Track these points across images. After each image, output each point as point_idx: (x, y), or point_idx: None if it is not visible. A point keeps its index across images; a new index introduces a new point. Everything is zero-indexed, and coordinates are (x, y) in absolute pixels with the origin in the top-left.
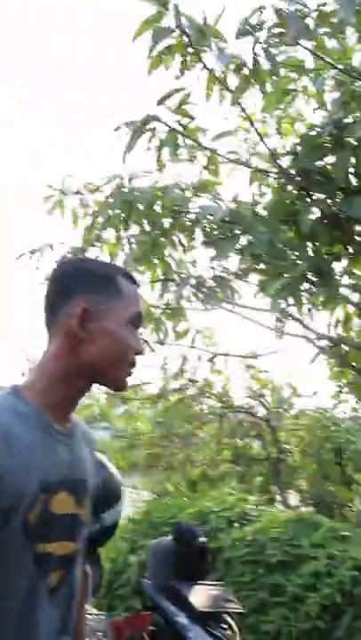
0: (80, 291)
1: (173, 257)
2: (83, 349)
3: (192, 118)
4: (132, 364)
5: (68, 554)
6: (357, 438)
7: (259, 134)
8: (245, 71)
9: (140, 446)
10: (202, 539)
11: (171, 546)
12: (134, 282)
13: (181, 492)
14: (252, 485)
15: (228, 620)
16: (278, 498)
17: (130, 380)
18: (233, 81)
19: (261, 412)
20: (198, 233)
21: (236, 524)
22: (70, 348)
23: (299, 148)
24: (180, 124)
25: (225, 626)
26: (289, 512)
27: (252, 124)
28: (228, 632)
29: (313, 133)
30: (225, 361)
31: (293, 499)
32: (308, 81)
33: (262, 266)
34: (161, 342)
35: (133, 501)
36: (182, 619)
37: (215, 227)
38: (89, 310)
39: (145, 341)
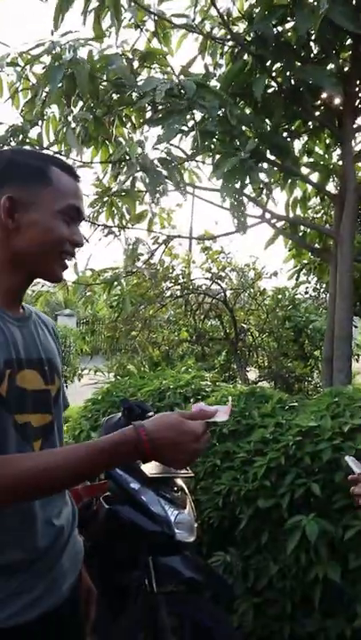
0: (8, 183)
1: (124, 136)
2: (13, 240)
3: None
4: (67, 254)
5: (46, 424)
6: (316, 317)
7: None
8: None
9: (101, 331)
10: (151, 412)
11: (122, 421)
12: (72, 174)
13: (143, 372)
14: (212, 364)
15: (180, 483)
16: (238, 376)
17: (66, 272)
18: None
19: (220, 293)
20: (148, 110)
21: (192, 400)
22: (2, 240)
23: (255, 11)
24: None
25: (176, 489)
26: (242, 387)
27: None
28: (179, 494)
29: None
30: (180, 244)
31: (253, 375)
32: None
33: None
34: (122, 226)
35: (97, 383)
36: (135, 484)
37: (163, 102)
38: (15, 200)
39: (106, 227)
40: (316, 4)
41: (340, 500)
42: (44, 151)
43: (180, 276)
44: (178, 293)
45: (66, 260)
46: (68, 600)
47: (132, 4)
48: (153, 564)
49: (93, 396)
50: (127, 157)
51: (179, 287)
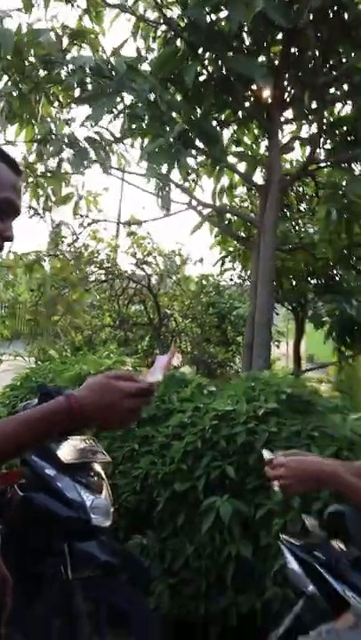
0: None
1: (50, 115)
2: None
3: None
4: None
5: None
6: (240, 304)
7: None
8: None
9: (21, 315)
10: None
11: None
12: (13, 167)
13: (65, 357)
14: (135, 349)
15: (97, 469)
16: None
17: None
18: None
19: (144, 279)
20: (76, 88)
21: None
22: None
23: None
24: None
25: (93, 474)
26: None
27: None
28: (96, 479)
29: None
30: (105, 229)
31: (176, 361)
32: None
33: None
34: (47, 209)
35: (17, 368)
36: (50, 470)
37: (92, 81)
38: None
39: (30, 208)
40: None
41: (253, 481)
42: None
43: (105, 261)
44: (103, 278)
45: None
46: None
47: None
48: (69, 549)
49: (12, 381)
50: (53, 136)
51: (103, 272)
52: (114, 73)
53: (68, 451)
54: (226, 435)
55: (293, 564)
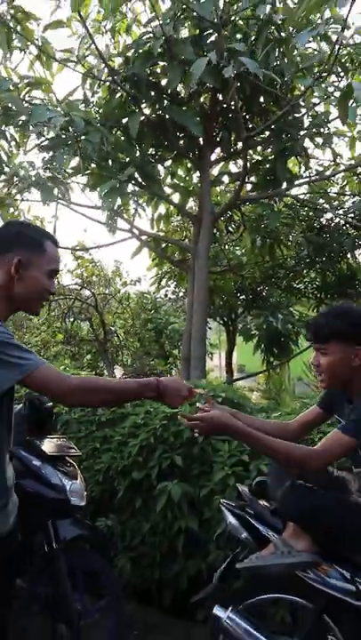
0: (19, 247)
1: (4, 149)
2: (15, 285)
3: (26, 14)
4: (46, 299)
5: None
6: (175, 319)
7: (90, 36)
8: None
9: None
10: (49, 403)
11: (24, 410)
12: (57, 244)
13: None
14: (83, 363)
15: (71, 461)
16: (106, 373)
17: None
18: None
19: (90, 297)
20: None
21: None
22: (7, 282)
23: (131, 52)
24: (13, 16)
25: (69, 464)
26: None
27: (84, 24)
28: (71, 468)
29: (145, 40)
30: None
31: (119, 373)
32: None
33: (92, 166)
34: None
35: None
36: (36, 461)
37: (51, 132)
38: (22, 262)
39: None
40: (183, 59)
41: (197, 468)
42: None
43: None
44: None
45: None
46: (12, 529)
47: (18, 32)
48: (52, 525)
49: None
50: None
51: None
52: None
53: (49, 446)
54: (174, 431)
55: (231, 519)
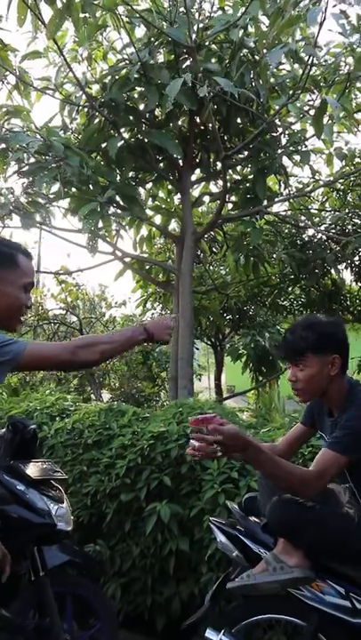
0: None
1: None
2: None
3: (4, 44)
4: (23, 314)
5: None
6: None
7: (67, 63)
8: (59, 4)
9: None
10: (33, 426)
11: (7, 434)
12: (30, 257)
13: (3, 399)
14: (70, 387)
15: (56, 485)
16: (93, 397)
17: None
18: (47, 11)
19: (75, 321)
20: (11, 159)
21: (57, 418)
22: None
23: (108, 78)
24: None
25: (54, 487)
26: (101, 404)
27: (61, 53)
28: (57, 492)
29: (122, 66)
30: (37, 277)
31: (106, 396)
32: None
33: (73, 190)
34: None
35: None
36: (20, 486)
37: (30, 157)
38: None
39: None
40: (160, 83)
41: (186, 487)
42: None
43: (39, 307)
44: (34, 323)
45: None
46: None
47: None
48: (38, 551)
49: None
50: None
51: (33, 317)
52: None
53: (33, 470)
54: (161, 451)
55: (222, 537)
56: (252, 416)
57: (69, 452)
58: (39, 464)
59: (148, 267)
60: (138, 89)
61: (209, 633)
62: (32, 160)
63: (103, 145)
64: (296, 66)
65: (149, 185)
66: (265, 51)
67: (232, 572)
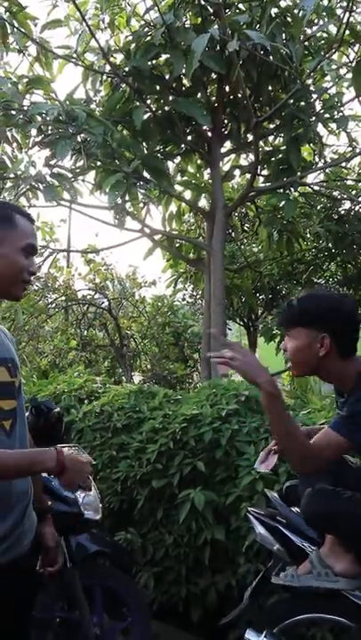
0: None
1: (7, 154)
2: None
3: (22, 7)
4: (26, 282)
5: (12, 408)
6: (194, 322)
7: (90, 30)
8: None
9: None
10: (57, 409)
11: (30, 418)
12: (30, 219)
13: (33, 381)
14: (99, 370)
15: None
16: (124, 379)
17: None
18: None
19: (104, 302)
20: (33, 132)
21: (85, 401)
22: None
23: (132, 46)
24: (9, 11)
25: None
26: (131, 386)
27: (83, 18)
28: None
29: (146, 31)
30: (63, 256)
31: (137, 378)
32: None
33: (98, 164)
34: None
35: None
36: (45, 473)
37: (50, 126)
38: None
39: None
40: (187, 46)
41: (221, 473)
42: None
43: (66, 288)
44: (63, 304)
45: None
46: (27, 553)
47: (15, 29)
48: (65, 542)
49: None
50: (13, 174)
51: (63, 298)
52: (70, 118)
53: None
54: (194, 435)
55: (261, 529)
56: (288, 397)
57: (98, 435)
58: (65, 449)
59: (177, 245)
60: (163, 57)
61: (249, 634)
62: (53, 131)
63: (128, 117)
64: (329, 23)
65: (177, 159)
66: (296, 11)
67: (273, 567)
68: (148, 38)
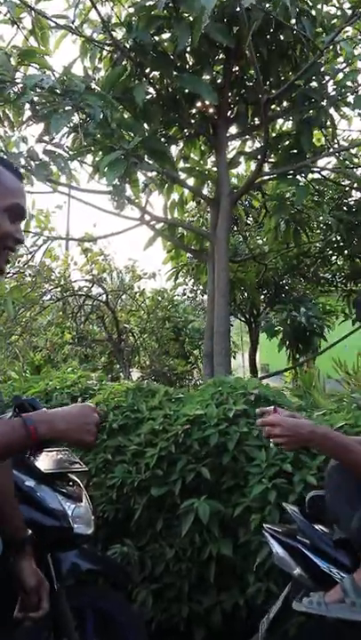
0: None
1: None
2: None
3: None
4: (10, 250)
5: None
6: (194, 317)
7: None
8: None
9: None
10: (44, 408)
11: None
12: (17, 174)
13: (26, 377)
14: (95, 365)
15: (74, 478)
16: (122, 375)
17: None
18: None
19: (102, 295)
20: (27, 108)
21: (79, 399)
22: None
23: (134, 19)
24: None
25: (71, 483)
26: (129, 383)
27: None
28: (75, 488)
29: (150, 3)
30: (59, 246)
31: (136, 375)
32: None
33: (97, 146)
34: None
35: None
36: (30, 482)
37: (44, 100)
38: None
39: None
40: (192, 19)
41: (228, 481)
42: None
43: (62, 279)
44: (58, 296)
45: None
46: None
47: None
48: (52, 559)
49: None
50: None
51: (59, 289)
52: (66, 91)
53: (46, 461)
54: (198, 438)
55: (278, 549)
56: (293, 395)
57: None
58: (53, 454)
59: (179, 235)
60: (167, 33)
61: None
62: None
63: (128, 95)
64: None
65: (180, 145)
66: None
67: (292, 595)
68: (151, 8)
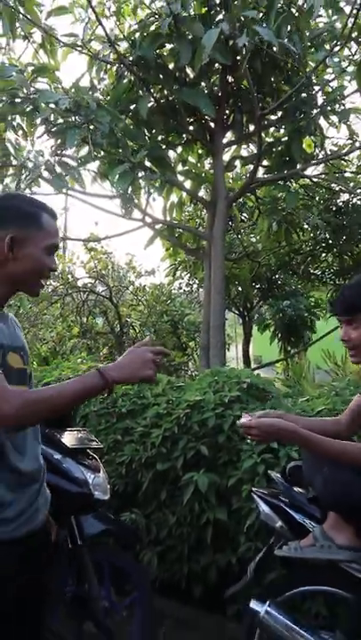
0: (11, 222)
1: (11, 141)
2: (10, 267)
3: None
4: (46, 277)
5: None
6: (190, 311)
7: (97, 16)
8: None
9: None
10: None
11: None
12: (54, 217)
13: (34, 369)
14: (99, 356)
15: (92, 454)
16: None
17: None
18: None
19: (104, 290)
20: (39, 122)
21: None
22: (1, 264)
23: (137, 35)
24: None
25: (90, 457)
26: None
27: (90, 5)
28: (93, 461)
29: (152, 20)
30: (64, 244)
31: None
32: None
33: (102, 154)
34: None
35: None
36: (57, 455)
37: (60, 116)
38: (15, 239)
39: None
40: (191, 36)
41: (224, 457)
42: None
43: (66, 275)
44: (63, 292)
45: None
46: (40, 529)
47: (21, 16)
48: (75, 520)
49: None
50: (13, 161)
51: (63, 286)
52: (78, 107)
53: (69, 438)
54: (198, 420)
55: (264, 507)
56: (284, 385)
57: (103, 420)
58: (75, 433)
59: (177, 234)
60: (168, 46)
61: (254, 604)
62: (60, 120)
63: (132, 106)
64: (335, 18)
65: (179, 149)
66: (301, 2)
67: (275, 543)
68: (154, 27)
